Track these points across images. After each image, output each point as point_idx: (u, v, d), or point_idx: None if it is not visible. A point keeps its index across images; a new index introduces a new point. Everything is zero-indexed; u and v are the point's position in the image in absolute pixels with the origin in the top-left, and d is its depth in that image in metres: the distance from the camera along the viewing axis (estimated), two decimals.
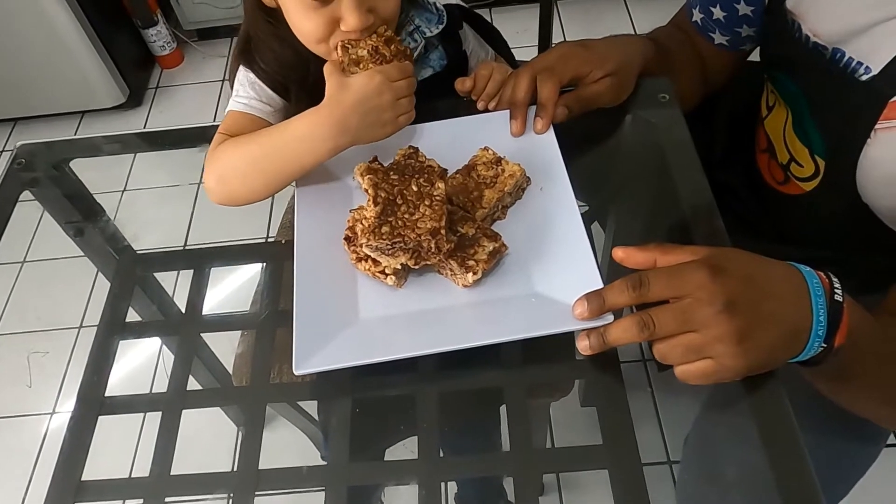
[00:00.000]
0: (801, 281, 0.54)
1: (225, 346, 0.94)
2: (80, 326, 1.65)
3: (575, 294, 0.58)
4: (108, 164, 0.91)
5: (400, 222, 0.61)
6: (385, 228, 0.61)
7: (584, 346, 0.58)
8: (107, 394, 0.68)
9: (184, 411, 0.66)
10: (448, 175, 0.68)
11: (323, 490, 0.60)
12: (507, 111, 0.75)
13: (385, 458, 0.80)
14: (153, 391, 0.74)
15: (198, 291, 0.75)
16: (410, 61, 0.71)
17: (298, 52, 0.74)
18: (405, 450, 0.67)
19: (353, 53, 0.69)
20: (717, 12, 0.85)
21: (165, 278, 0.84)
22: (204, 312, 0.74)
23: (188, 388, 0.69)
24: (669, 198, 0.74)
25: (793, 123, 0.81)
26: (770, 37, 0.82)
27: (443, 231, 0.61)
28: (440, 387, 0.63)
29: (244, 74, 0.77)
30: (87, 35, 1.95)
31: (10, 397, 1.61)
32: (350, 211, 0.70)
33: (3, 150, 2.14)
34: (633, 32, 2.13)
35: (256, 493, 0.60)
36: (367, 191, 0.64)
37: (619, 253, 0.58)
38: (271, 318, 0.71)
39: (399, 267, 0.63)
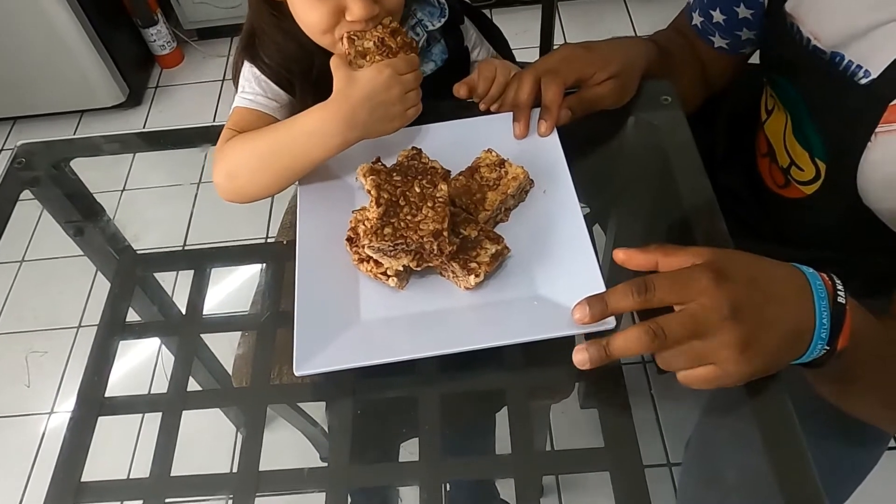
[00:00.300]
0: (804, 282, 0.53)
1: (225, 347, 0.94)
2: (79, 326, 1.65)
3: (577, 297, 0.57)
4: (108, 163, 0.91)
5: (402, 224, 0.61)
6: (387, 230, 0.61)
7: (581, 359, 0.54)
8: (106, 394, 0.68)
9: (184, 412, 0.66)
10: (451, 177, 0.68)
11: (324, 492, 0.59)
12: (511, 113, 0.75)
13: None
14: (153, 392, 0.74)
15: (198, 292, 0.75)
16: (416, 53, 0.70)
17: (303, 45, 0.74)
18: (406, 451, 0.67)
19: (359, 45, 0.68)
20: (717, 15, 0.85)
21: (165, 278, 0.84)
22: (204, 313, 0.74)
23: (188, 389, 0.69)
24: (671, 200, 0.74)
25: (793, 128, 0.81)
26: (769, 40, 0.82)
27: (445, 233, 0.60)
28: (441, 388, 0.63)
29: (249, 70, 0.77)
30: (87, 34, 1.95)
31: (9, 397, 1.60)
32: (352, 212, 0.69)
33: (2, 150, 2.14)
34: (633, 34, 2.13)
35: (257, 494, 0.60)
36: (369, 192, 0.64)
37: (619, 255, 0.57)
38: (272, 319, 0.71)
39: (401, 268, 0.63)
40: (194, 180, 1.53)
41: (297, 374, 0.59)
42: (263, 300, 0.73)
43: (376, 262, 0.64)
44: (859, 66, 0.68)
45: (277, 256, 0.76)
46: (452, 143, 0.73)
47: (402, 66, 0.67)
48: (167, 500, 0.61)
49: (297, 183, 0.73)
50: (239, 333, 0.93)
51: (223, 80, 2.23)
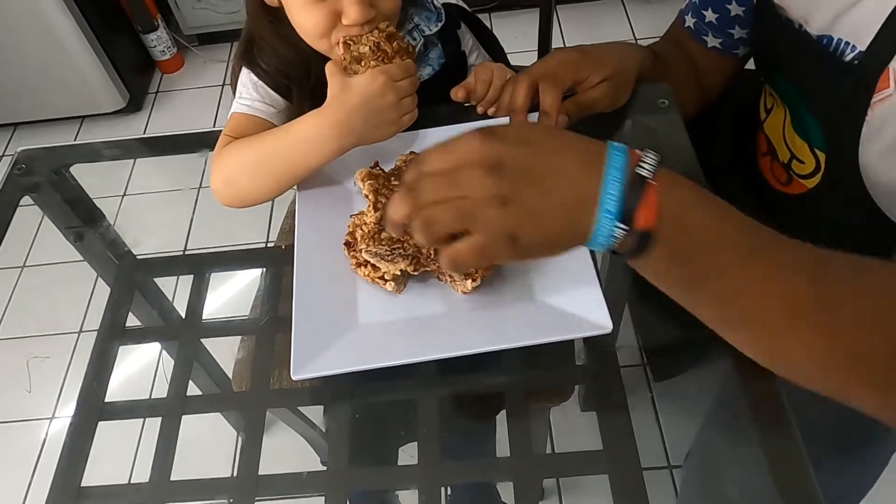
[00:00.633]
0: (598, 152, 0.46)
1: (225, 352, 0.94)
2: (80, 331, 1.65)
3: (574, 302, 0.57)
4: (109, 169, 0.91)
5: None
6: (385, 234, 0.61)
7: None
8: (107, 399, 0.68)
9: (183, 417, 0.66)
10: None
11: (323, 496, 0.59)
12: (507, 118, 0.75)
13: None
14: (153, 396, 0.74)
15: (198, 296, 0.75)
16: (412, 58, 0.71)
17: (300, 51, 0.74)
18: (405, 455, 0.67)
19: (354, 50, 0.68)
20: (710, 15, 0.86)
21: (165, 283, 0.84)
22: (204, 317, 0.74)
23: (188, 394, 0.69)
24: None
25: (791, 120, 0.81)
26: (761, 33, 0.83)
27: None
28: (440, 392, 0.64)
29: (247, 76, 0.78)
30: (88, 40, 1.95)
31: (10, 402, 1.60)
32: (350, 216, 0.70)
33: (3, 155, 2.14)
34: (632, 38, 2.13)
35: (256, 498, 0.60)
36: (367, 196, 0.64)
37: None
38: (271, 324, 0.71)
39: (398, 273, 0.63)
40: (194, 185, 1.54)
41: (294, 377, 0.59)
42: (263, 304, 0.73)
43: (374, 266, 0.64)
44: (847, 43, 0.68)
45: (277, 261, 0.76)
46: None
47: (396, 73, 0.67)
48: None
49: (296, 187, 0.73)
50: (239, 338, 0.94)
51: (223, 85, 2.23)
